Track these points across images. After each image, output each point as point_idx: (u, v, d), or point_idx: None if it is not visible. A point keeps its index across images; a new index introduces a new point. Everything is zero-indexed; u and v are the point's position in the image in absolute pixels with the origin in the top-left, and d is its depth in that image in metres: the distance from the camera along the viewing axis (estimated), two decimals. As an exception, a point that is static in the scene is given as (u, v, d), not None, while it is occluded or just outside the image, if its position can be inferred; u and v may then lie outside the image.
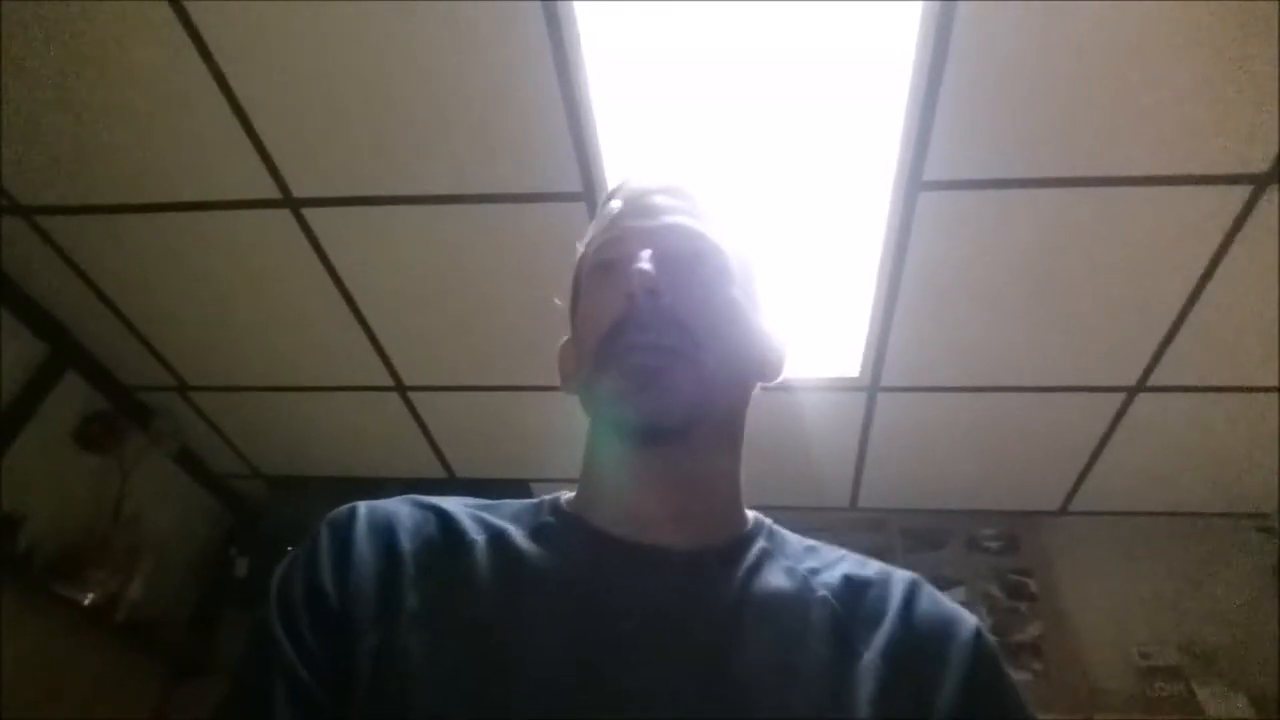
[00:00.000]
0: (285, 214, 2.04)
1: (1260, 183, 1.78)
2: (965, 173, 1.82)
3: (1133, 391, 2.40)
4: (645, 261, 0.64)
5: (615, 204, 0.74)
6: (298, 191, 1.99)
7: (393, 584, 0.60)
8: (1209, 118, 1.67)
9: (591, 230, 0.77)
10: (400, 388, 2.65)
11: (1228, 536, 2.88)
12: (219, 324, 2.43)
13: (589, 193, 1.92)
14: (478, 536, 0.64)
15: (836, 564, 0.67)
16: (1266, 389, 2.32)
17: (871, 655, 0.59)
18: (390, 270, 2.20)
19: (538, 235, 2.04)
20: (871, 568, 0.68)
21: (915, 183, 1.85)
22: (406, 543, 0.63)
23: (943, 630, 0.62)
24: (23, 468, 2.31)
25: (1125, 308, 2.12)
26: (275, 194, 1.99)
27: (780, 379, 0.75)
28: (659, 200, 0.71)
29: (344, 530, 0.63)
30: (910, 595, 0.64)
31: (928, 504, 3.04)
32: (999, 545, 3.02)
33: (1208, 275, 2.00)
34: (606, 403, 0.64)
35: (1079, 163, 1.78)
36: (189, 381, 2.69)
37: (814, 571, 0.66)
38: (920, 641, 0.61)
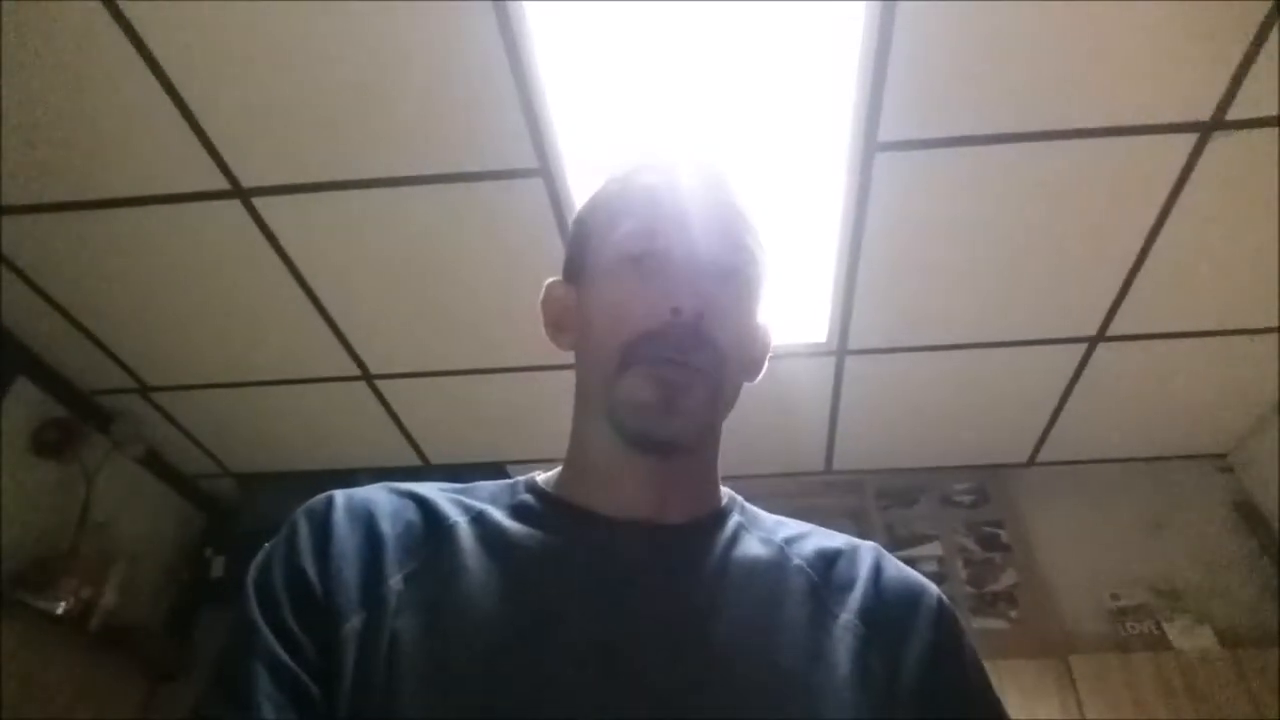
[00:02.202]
0: (235, 204, 1.99)
1: (1205, 130, 1.81)
2: (919, 132, 1.83)
3: (1093, 342, 2.44)
4: (695, 280, 0.64)
5: (646, 174, 0.72)
6: (246, 181, 1.94)
7: (376, 568, 0.60)
8: (1153, 68, 1.69)
9: (610, 181, 0.75)
10: (367, 376, 2.61)
11: (1190, 478, 2.97)
12: (176, 322, 2.38)
13: (545, 169, 1.90)
14: (458, 518, 0.65)
15: (807, 536, 0.70)
16: (1220, 333, 2.38)
17: (846, 617, 0.63)
18: (347, 257, 2.16)
19: (495, 213, 2.01)
20: (839, 539, 0.71)
21: (871, 144, 1.85)
22: (387, 527, 0.62)
23: (910, 596, 0.66)
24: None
25: (1082, 260, 2.15)
26: (224, 185, 1.94)
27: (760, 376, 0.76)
28: (697, 186, 0.70)
29: (322, 517, 0.62)
30: (877, 563, 0.68)
31: (900, 463, 3.08)
32: (971, 499, 3.08)
33: (1159, 224, 2.03)
34: (625, 411, 0.64)
35: (1029, 118, 1.80)
36: (149, 382, 2.63)
37: (788, 542, 0.69)
38: (889, 605, 0.65)
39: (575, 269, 0.74)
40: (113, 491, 2.70)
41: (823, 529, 0.72)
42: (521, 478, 0.72)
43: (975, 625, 2.78)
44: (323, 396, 2.70)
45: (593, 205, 0.75)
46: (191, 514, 3.16)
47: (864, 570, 0.67)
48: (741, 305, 0.68)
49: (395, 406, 2.77)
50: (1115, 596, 2.78)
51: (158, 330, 2.41)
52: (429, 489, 0.68)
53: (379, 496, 0.66)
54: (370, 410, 2.77)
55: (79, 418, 2.58)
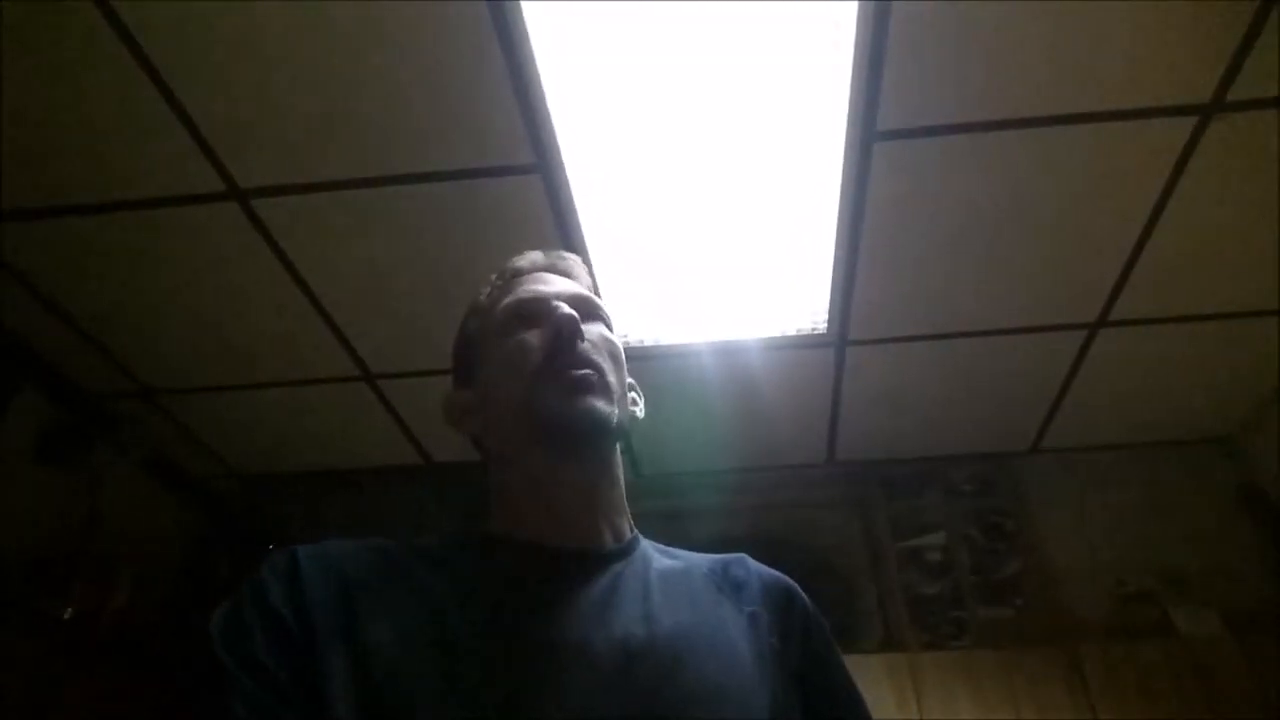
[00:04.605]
0: (233, 206, 1.99)
1: (1205, 113, 1.80)
2: (918, 120, 1.82)
3: (1094, 327, 2.44)
4: (567, 307, 0.79)
5: (505, 279, 0.89)
6: (244, 182, 1.94)
7: (347, 610, 0.64)
8: (1152, 51, 1.68)
9: (478, 300, 0.90)
10: (368, 376, 2.62)
11: (1194, 462, 2.96)
12: (177, 325, 2.38)
13: (543, 164, 1.90)
14: (416, 563, 0.71)
15: (696, 555, 0.85)
16: (1222, 316, 2.37)
17: (751, 608, 0.77)
18: (345, 256, 2.16)
19: (492, 209, 2.01)
20: (722, 557, 0.85)
21: (869, 133, 1.84)
22: (351, 572, 0.67)
23: (785, 592, 0.82)
24: (-14, 486, 2.26)
25: (1082, 245, 2.14)
26: (220, 186, 1.94)
27: (639, 418, 0.89)
28: (548, 275, 0.88)
29: (288, 566, 0.66)
30: (757, 569, 0.84)
31: (903, 453, 3.08)
32: (975, 488, 3.08)
33: (1160, 208, 2.02)
34: (544, 415, 0.75)
35: (1028, 104, 1.79)
36: (152, 386, 2.63)
37: (688, 557, 0.84)
38: (773, 597, 0.80)
39: (467, 369, 0.88)
40: (118, 495, 2.70)
41: (703, 553, 0.87)
42: (458, 531, 0.81)
43: (981, 614, 2.78)
44: (324, 397, 2.70)
45: (471, 312, 0.90)
46: (197, 516, 3.16)
47: (750, 572, 0.82)
48: (612, 343, 0.83)
49: (397, 406, 2.78)
50: (1121, 583, 2.77)
51: (160, 333, 2.42)
52: (381, 540, 0.75)
53: (338, 544, 0.71)
54: (372, 410, 2.77)
55: (84, 422, 2.59)
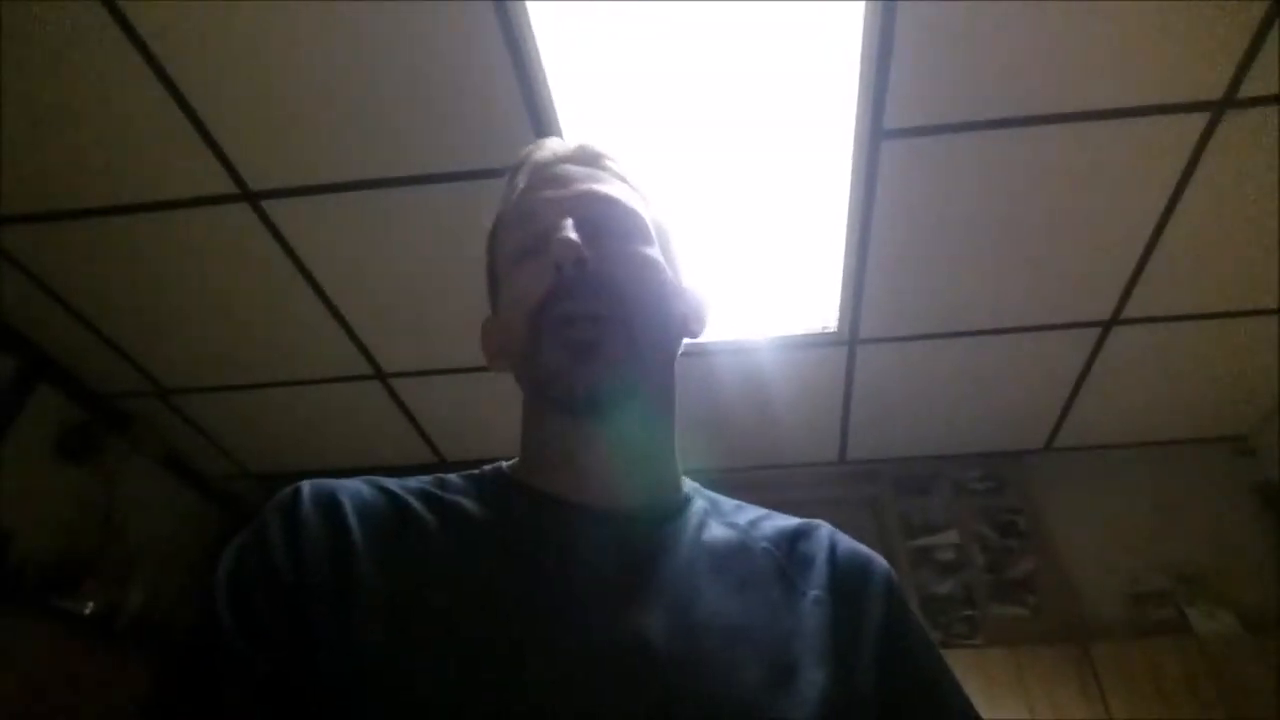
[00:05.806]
0: (244, 208, 2.01)
1: (1217, 109, 1.78)
2: (926, 119, 1.82)
3: (1107, 325, 2.42)
4: (568, 231, 0.65)
5: (521, 179, 0.75)
6: (255, 185, 1.96)
7: (347, 564, 0.59)
8: (1163, 47, 1.66)
9: (500, 207, 0.77)
10: (380, 375, 2.63)
11: (1208, 460, 2.94)
12: (191, 325, 2.40)
13: (552, 165, 1.90)
14: (427, 514, 0.64)
15: (766, 519, 0.73)
16: (1236, 314, 2.35)
17: (814, 593, 0.66)
18: (356, 257, 2.18)
19: (503, 212, 2.02)
20: (793, 521, 0.73)
21: (877, 132, 1.84)
22: (355, 520, 0.61)
23: (863, 568, 0.70)
24: (4, 485, 2.29)
25: (1094, 243, 2.13)
26: (232, 189, 1.95)
27: (705, 332, 0.76)
28: (567, 169, 0.73)
29: (290, 511, 0.62)
30: (832, 539, 0.72)
31: (915, 451, 3.07)
32: (987, 486, 3.07)
33: (1172, 205, 2.01)
34: (546, 378, 0.65)
35: (1037, 101, 1.78)
36: (167, 385, 2.66)
37: (752, 524, 0.71)
38: (846, 577, 0.68)
39: (494, 293, 0.76)
40: (135, 493, 2.73)
41: (777, 512, 0.74)
42: (488, 468, 0.71)
43: (994, 612, 2.77)
44: (338, 396, 2.73)
45: (495, 221, 0.77)
46: (213, 514, 3.20)
47: (822, 547, 0.70)
48: (638, 252, 0.69)
49: (409, 405, 2.79)
50: (1135, 582, 2.76)
51: (173, 334, 2.44)
52: (394, 481, 0.67)
53: (346, 485, 0.65)
54: (385, 409, 2.79)
55: (101, 421, 2.62)
